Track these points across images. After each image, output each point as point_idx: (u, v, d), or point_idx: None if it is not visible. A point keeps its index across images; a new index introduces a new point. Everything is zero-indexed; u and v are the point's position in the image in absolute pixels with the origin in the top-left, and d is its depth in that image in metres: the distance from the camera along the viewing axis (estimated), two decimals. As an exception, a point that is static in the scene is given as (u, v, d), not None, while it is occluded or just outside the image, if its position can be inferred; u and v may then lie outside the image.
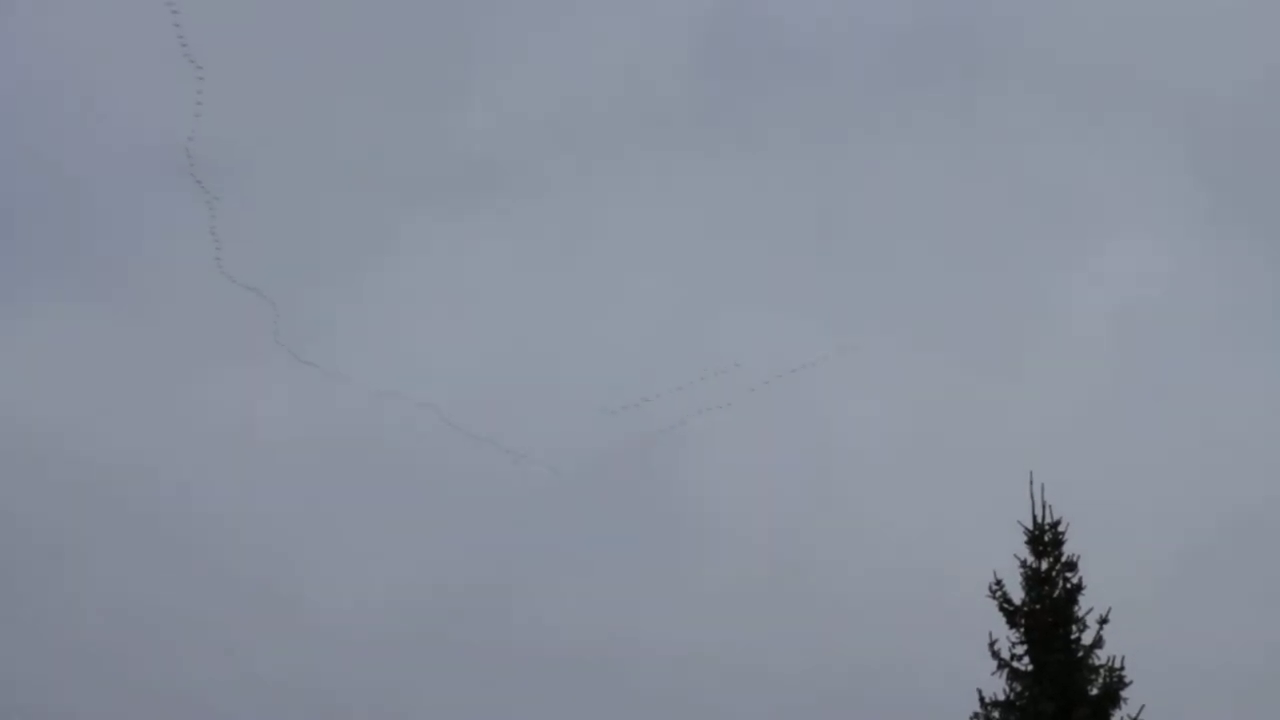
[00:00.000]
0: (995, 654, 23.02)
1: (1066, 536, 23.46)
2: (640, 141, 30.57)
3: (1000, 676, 22.94)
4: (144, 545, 34.61)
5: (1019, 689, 22.79)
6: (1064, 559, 23.38)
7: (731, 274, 32.87)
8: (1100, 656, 22.93)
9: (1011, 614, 23.11)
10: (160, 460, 34.55)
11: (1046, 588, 23.19)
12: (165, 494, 34.52)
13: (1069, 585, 23.22)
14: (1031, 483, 23.54)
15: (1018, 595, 23.24)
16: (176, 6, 27.62)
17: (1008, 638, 23.12)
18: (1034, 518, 23.57)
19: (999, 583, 23.25)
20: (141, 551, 34.38)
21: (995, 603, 23.18)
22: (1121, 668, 22.79)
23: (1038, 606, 23.06)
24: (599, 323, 32.12)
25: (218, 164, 28.60)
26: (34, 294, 36.19)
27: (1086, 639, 23.02)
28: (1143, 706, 22.53)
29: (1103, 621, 23.03)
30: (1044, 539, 23.45)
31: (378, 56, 32.46)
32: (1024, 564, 23.40)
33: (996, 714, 22.79)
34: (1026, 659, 23.00)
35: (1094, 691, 22.72)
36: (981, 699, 22.91)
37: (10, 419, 35.66)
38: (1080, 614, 23.12)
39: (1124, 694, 22.74)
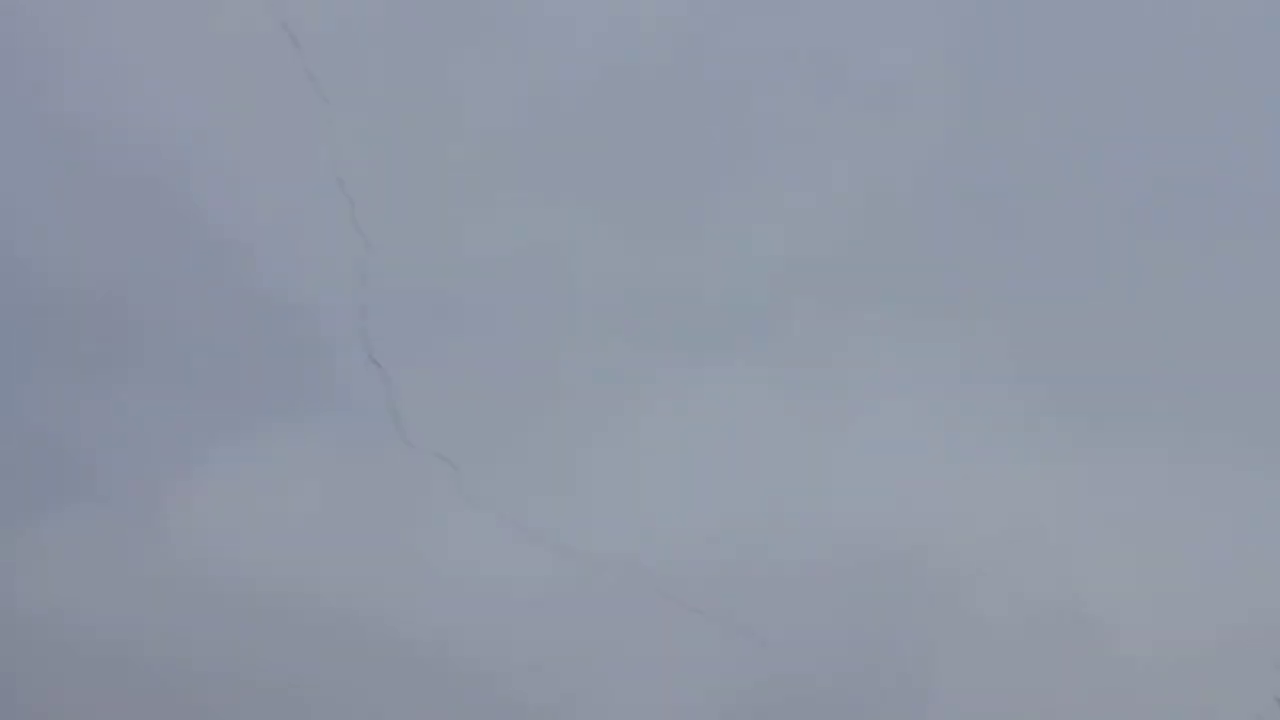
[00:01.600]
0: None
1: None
2: (884, 283, 29.38)
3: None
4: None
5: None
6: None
7: (987, 420, 31.86)
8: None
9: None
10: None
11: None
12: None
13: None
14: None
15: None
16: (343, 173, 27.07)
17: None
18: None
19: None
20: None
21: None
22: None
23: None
24: (842, 475, 31.04)
25: (395, 326, 27.91)
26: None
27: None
28: None
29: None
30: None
31: (596, 193, 31.74)
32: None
33: None
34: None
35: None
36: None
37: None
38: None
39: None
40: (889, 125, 29.94)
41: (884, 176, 32.14)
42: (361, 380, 27.37)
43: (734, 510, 28.52)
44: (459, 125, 30.94)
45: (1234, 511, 31.14)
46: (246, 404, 29.50)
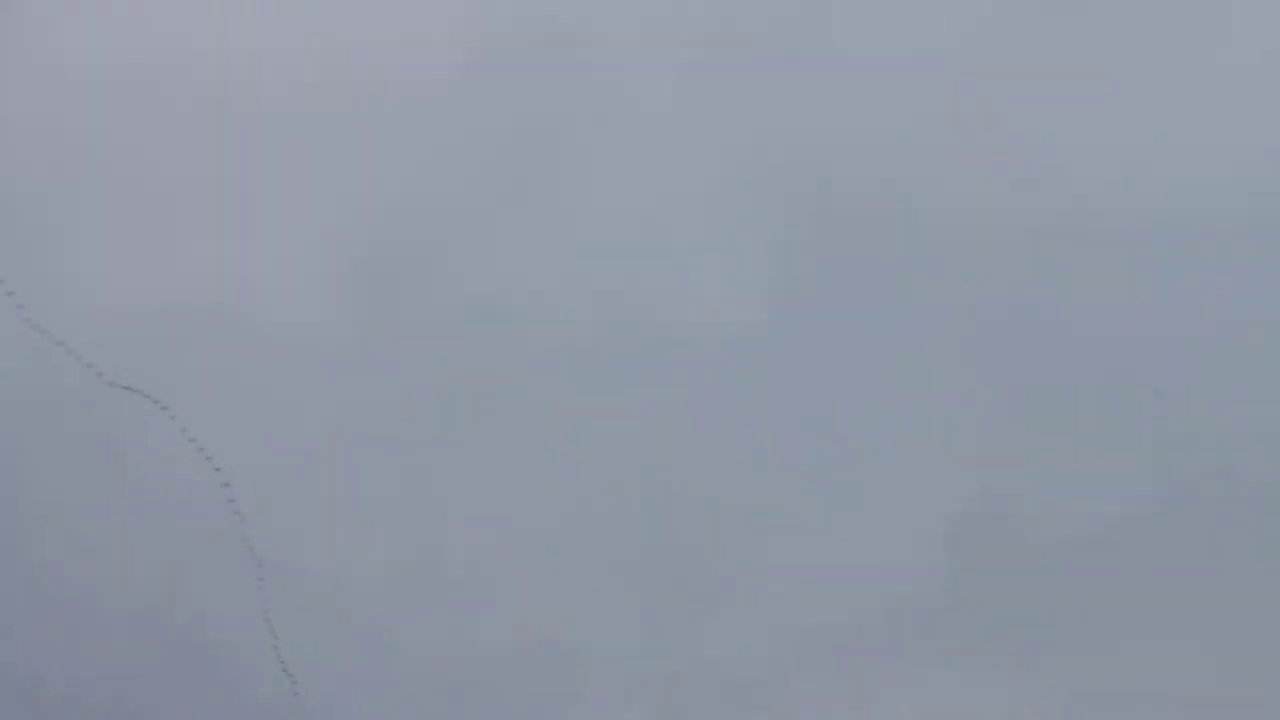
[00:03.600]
0: None
1: None
2: (895, 651, 28.99)
3: None
4: None
5: None
6: None
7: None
8: None
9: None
10: None
11: None
12: None
13: None
14: None
15: None
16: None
17: None
18: None
19: None
20: None
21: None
22: None
23: None
24: None
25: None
26: None
27: None
28: None
29: None
30: None
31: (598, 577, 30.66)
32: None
33: None
34: None
35: None
36: None
37: None
38: None
39: None
40: (904, 490, 29.47)
41: (904, 537, 31.55)
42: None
43: None
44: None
45: None
46: None
